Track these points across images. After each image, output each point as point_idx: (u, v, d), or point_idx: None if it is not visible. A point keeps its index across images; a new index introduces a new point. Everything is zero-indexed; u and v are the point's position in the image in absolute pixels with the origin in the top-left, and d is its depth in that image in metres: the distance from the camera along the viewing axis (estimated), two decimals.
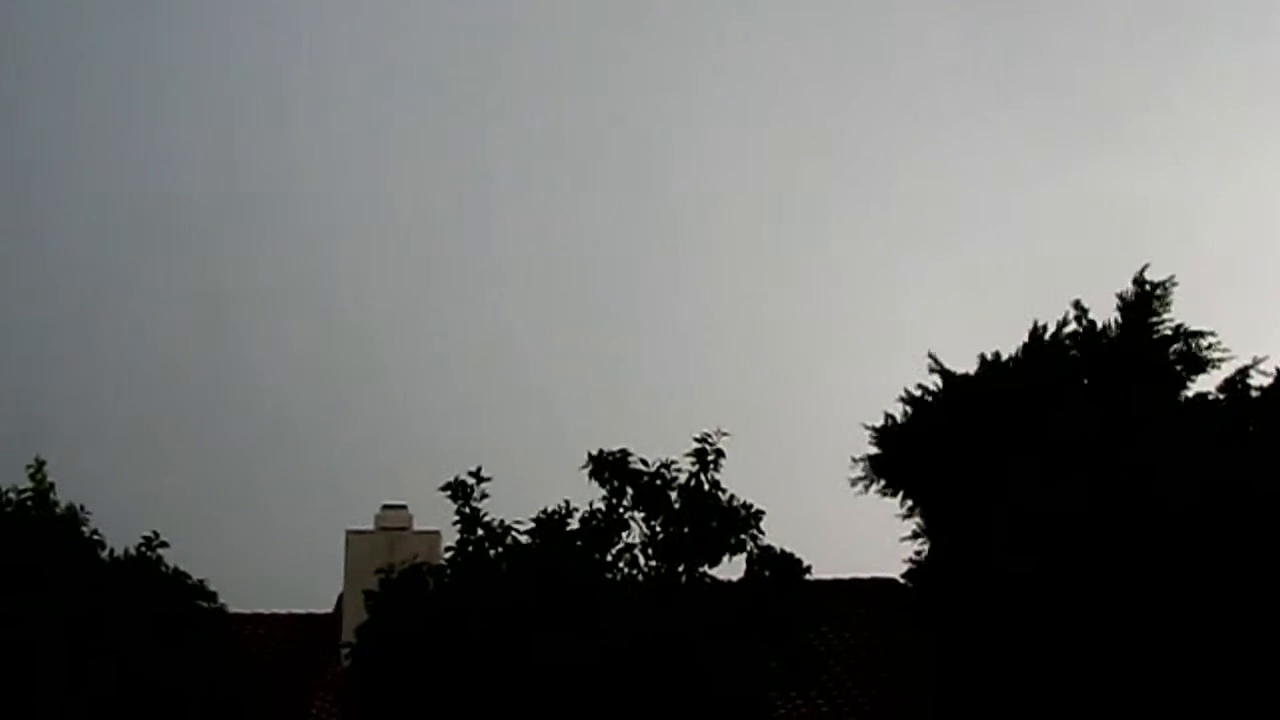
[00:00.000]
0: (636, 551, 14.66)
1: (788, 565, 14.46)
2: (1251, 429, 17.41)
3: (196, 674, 15.22)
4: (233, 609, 22.79)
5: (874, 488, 20.84)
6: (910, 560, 19.46)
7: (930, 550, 19.26)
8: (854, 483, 20.73)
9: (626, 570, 14.56)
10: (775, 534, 14.66)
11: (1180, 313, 19.12)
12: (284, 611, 25.63)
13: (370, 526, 23.48)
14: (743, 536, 14.50)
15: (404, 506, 23.25)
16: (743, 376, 35.21)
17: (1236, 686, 14.85)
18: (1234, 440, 16.86)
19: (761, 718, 14.14)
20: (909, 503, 20.51)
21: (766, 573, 14.45)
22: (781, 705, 21.43)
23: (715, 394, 32.53)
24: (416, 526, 22.22)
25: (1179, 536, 15.56)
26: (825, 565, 22.28)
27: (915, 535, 20.15)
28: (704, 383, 34.69)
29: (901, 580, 19.42)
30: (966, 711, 16.29)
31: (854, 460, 20.65)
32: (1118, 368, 18.82)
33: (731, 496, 14.76)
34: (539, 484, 16.21)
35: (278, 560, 28.92)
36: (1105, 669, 15.37)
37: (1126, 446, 16.33)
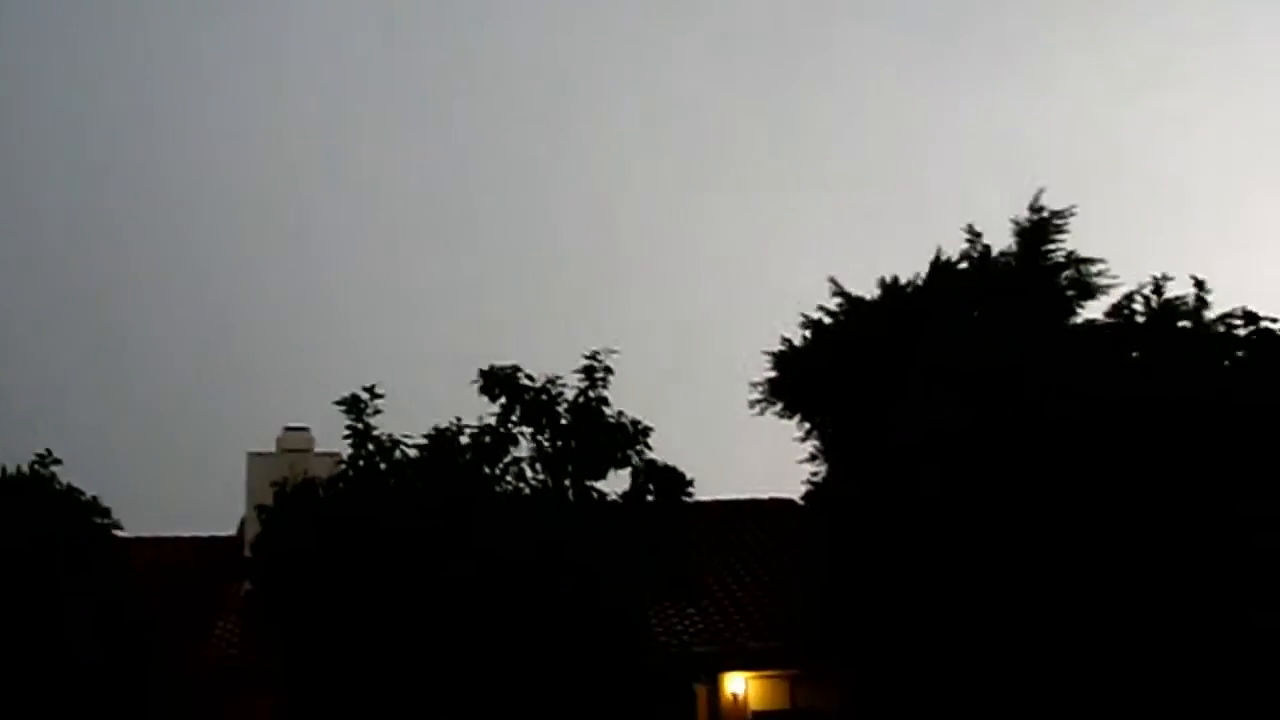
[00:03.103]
0: (524, 465, 14.81)
1: (671, 479, 14.66)
2: (1135, 354, 17.74)
3: (91, 595, 15.11)
4: (134, 534, 22.85)
5: (772, 410, 21.19)
6: (807, 481, 19.72)
7: (827, 471, 19.51)
8: (752, 405, 21.08)
9: (514, 483, 14.71)
10: (677, 456, 14.93)
11: (1076, 240, 19.42)
12: (187, 535, 25.57)
13: (272, 449, 23.42)
14: (628, 451, 14.67)
15: (305, 429, 23.22)
16: (649, 301, 35.50)
17: (1121, 586, 15.15)
18: (1118, 362, 17.18)
19: (645, 627, 14.34)
20: (806, 425, 20.88)
21: (650, 486, 14.62)
22: (676, 618, 21.87)
23: (620, 316, 32.77)
24: (318, 449, 22.11)
25: (1063, 452, 15.85)
26: (727, 487, 22.70)
27: (812, 457, 20.51)
28: (608, 305, 34.94)
29: (799, 501, 19.68)
30: (856, 625, 16.62)
31: (752, 384, 20.97)
32: (1012, 294, 19.09)
33: (619, 413, 14.94)
34: (435, 403, 16.25)
35: (180, 485, 28.83)
36: (993, 579, 15.62)
37: (1015, 370, 16.58)
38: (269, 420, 24.46)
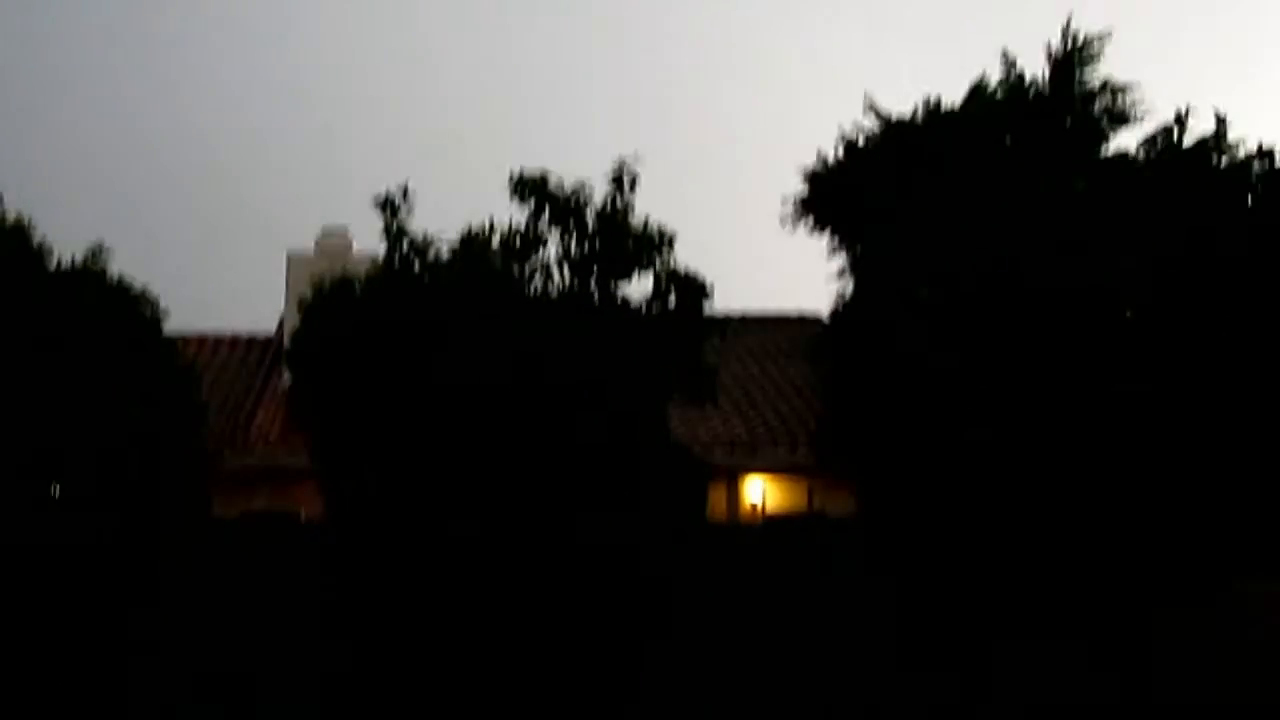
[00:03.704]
0: (552, 267, 15.27)
1: (692, 286, 15.10)
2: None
3: (138, 384, 15.68)
4: (181, 331, 23.50)
5: (804, 226, 21.52)
6: (836, 298, 19.99)
7: (853, 288, 19.76)
8: (785, 220, 21.39)
9: (542, 284, 15.19)
10: (708, 266, 15.21)
11: (1111, 65, 19.33)
12: (230, 333, 26.25)
13: (311, 249, 23.89)
14: (653, 256, 15.08)
15: (345, 230, 23.66)
16: (687, 112, 35.45)
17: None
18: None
19: (661, 424, 14.92)
20: (836, 241, 21.21)
21: (672, 292, 15.07)
22: (700, 423, 22.53)
23: (657, 125, 32.78)
24: (356, 249, 22.48)
25: (1083, 280, 16.08)
26: (760, 299, 23.08)
27: (840, 274, 20.88)
28: (644, 114, 34.94)
29: (825, 317, 20.02)
30: (869, 437, 17.13)
31: (786, 200, 21.24)
32: (1044, 120, 19.11)
33: (646, 220, 15.31)
34: (469, 207, 16.71)
35: (224, 285, 29.48)
36: (1010, 398, 15.96)
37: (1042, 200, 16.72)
38: (310, 221, 24.94)
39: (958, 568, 17.56)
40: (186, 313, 22.06)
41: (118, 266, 16.81)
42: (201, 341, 25.87)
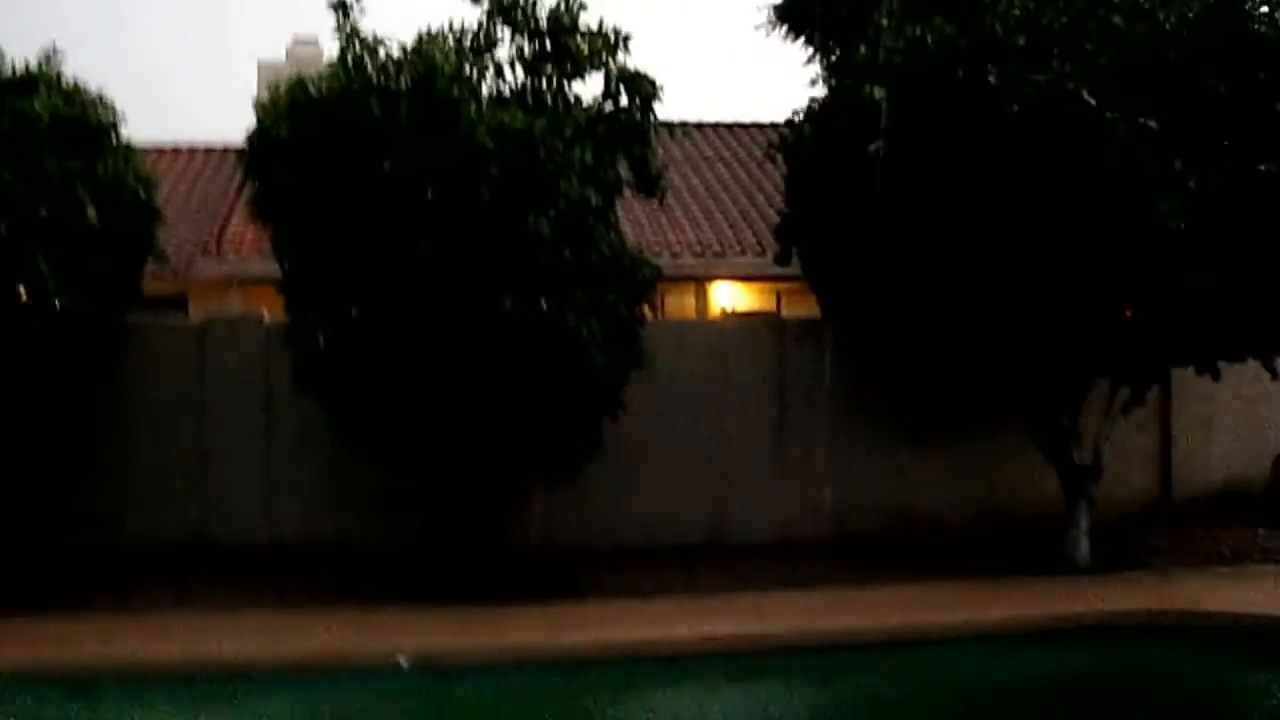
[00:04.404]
0: (504, 67, 15.34)
1: (643, 85, 15.20)
2: None
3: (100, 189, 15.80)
4: (155, 142, 23.58)
5: (779, 33, 21.58)
6: (809, 103, 20.01)
7: (827, 94, 19.76)
8: (761, 28, 21.47)
9: (494, 84, 15.27)
10: (682, 77, 15.10)
11: None
12: (204, 145, 26.36)
13: (283, 59, 23.89)
14: (604, 57, 15.15)
15: (315, 39, 23.65)
16: None
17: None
18: None
19: (608, 222, 15.13)
20: (811, 49, 21.24)
21: (623, 91, 15.17)
22: (673, 234, 22.70)
23: None
24: (327, 61, 22.44)
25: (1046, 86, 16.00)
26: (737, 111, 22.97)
27: (813, 82, 20.93)
28: None
29: (798, 121, 20.03)
30: (830, 241, 17.34)
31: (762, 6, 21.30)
32: None
33: (601, 20, 15.35)
34: (422, 15, 16.63)
35: (192, 94, 29.42)
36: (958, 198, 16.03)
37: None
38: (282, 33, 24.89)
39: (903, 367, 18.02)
40: (164, 124, 21.99)
41: (86, 76, 16.78)
42: (176, 152, 26.01)
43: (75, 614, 14.55)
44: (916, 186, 15.60)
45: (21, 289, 14.65)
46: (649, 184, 15.51)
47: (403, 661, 13.08)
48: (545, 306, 14.37)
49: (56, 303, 14.79)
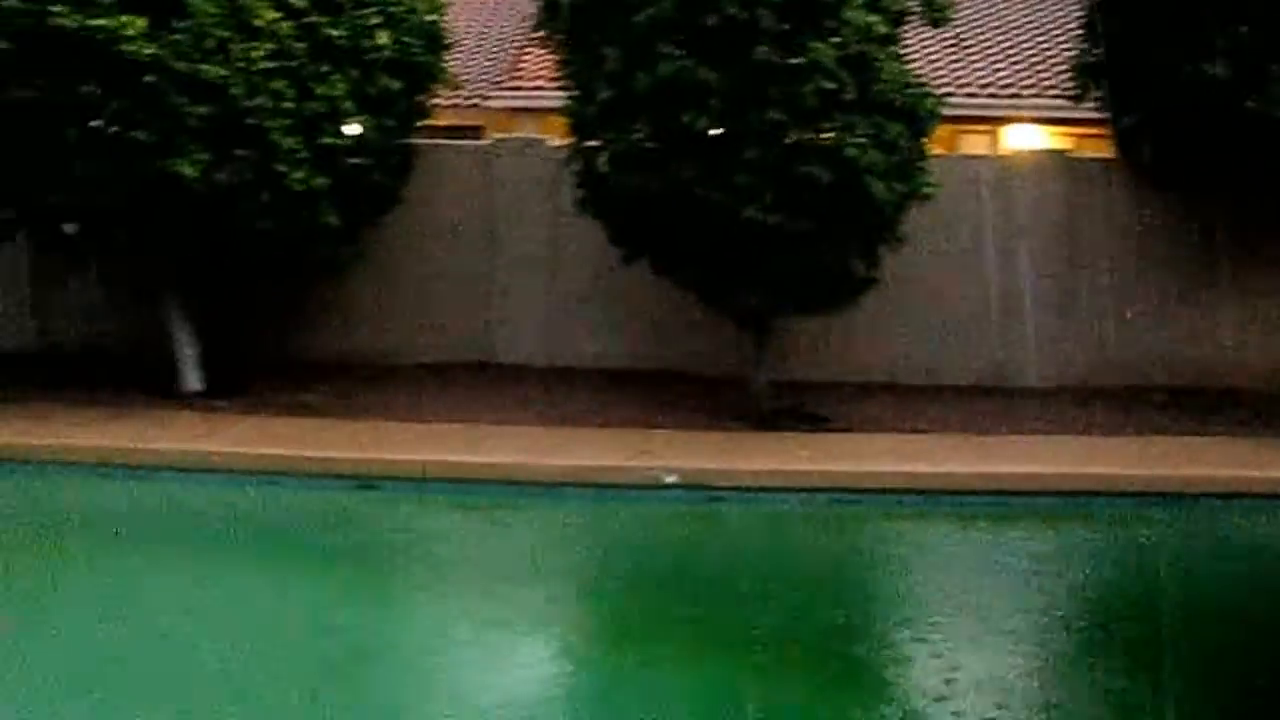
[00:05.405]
0: None
1: None
2: None
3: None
4: None
5: None
6: None
7: None
8: None
9: None
10: None
11: None
12: None
13: None
14: None
15: None
16: None
17: None
18: None
19: (892, 52, 14.79)
20: None
21: None
22: (970, 76, 21.95)
23: None
24: None
25: None
26: None
27: None
28: None
29: None
30: (1134, 73, 16.58)
31: None
32: None
33: None
34: None
35: None
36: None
37: None
38: None
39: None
40: None
41: None
42: None
43: (363, 419, 15.36)
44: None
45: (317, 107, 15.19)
46: (935, 11, 14.99)
47: (671, 480, 13.33)
48: (824, 134, 14.18)
49: (351, 123, 15.35)
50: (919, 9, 14.99)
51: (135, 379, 16.37)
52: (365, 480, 13.39)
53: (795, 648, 9.93)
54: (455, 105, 19.82)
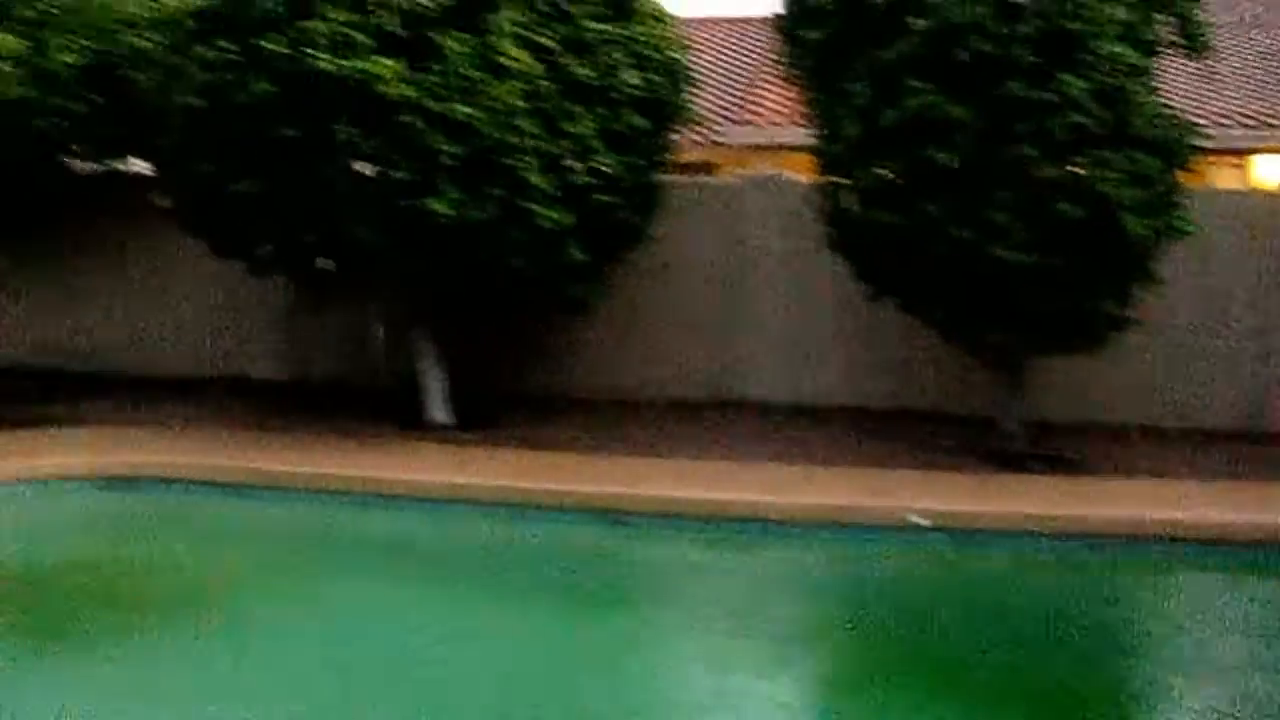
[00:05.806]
0: None
1: None
2: None
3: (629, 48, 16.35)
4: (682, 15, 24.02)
5: None
6: None
7: None
8: None
9: None
10: None
11: None
12: (724, 17, 26.75)
13: None
14: None
15: None
16: None
17: None
18: None
19: (1145, 84, 14.43)
20: None
21: None
22: (1215, 104, 21.35)
23: None
24: None
25: None
26: None
27: None
28: None
29: None
30: None
31: None
32: None
33: None
34: None
35: None
36: None
37: None
38: None
39: None
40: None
41: None
42: (702, 22, 26.59)
43: (607, 454, 15.51)
44: None
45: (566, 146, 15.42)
46: (1191, 41, 14.58)
47: (919, 520, 13.14)
48: (1077, 170, 13.91)
49: (599, 161, 15.55)
50: (1175, 38, 14.61)
51: (385, 411, 16.82)
52: (616, 515, 13.50)
53: (1107, 703, 9.82)
54: (691, 142, 19.96)
